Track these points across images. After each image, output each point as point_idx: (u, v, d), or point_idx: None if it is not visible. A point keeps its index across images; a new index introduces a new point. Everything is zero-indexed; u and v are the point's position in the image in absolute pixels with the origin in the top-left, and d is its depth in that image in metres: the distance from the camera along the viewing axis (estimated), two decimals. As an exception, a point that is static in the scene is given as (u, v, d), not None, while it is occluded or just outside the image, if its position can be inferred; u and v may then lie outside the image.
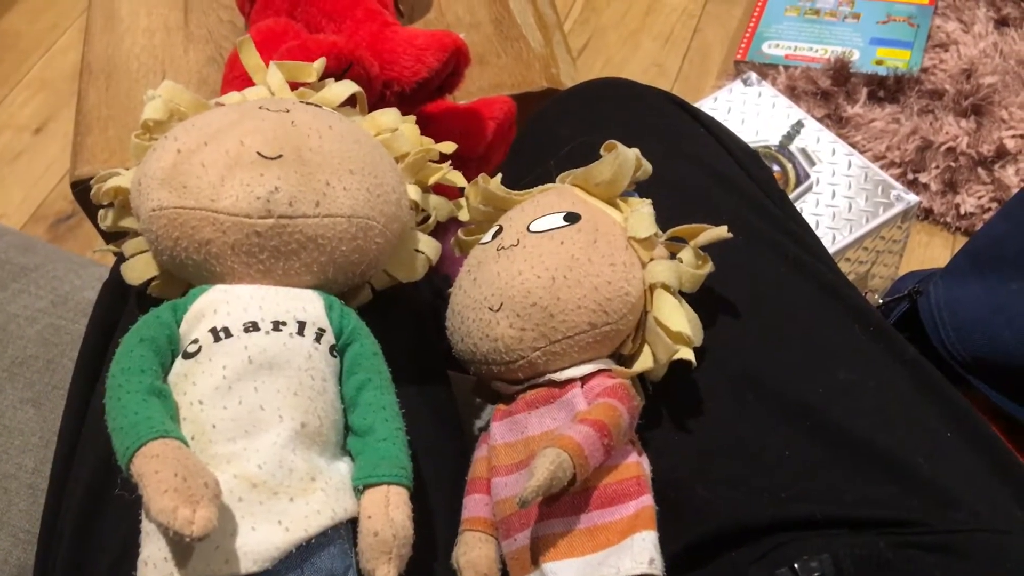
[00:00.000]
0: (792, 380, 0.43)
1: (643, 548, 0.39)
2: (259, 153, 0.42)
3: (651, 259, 0.45)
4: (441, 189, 0.52)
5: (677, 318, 0.43)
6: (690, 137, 0.55)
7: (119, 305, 0.51)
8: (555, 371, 0.44)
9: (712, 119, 0.59)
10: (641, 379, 0.46)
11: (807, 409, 0.44)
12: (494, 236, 0.47)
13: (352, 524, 0.39)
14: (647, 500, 0.41)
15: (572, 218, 0.45)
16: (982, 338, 0.66)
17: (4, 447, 0.56)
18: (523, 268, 0.44)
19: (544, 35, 0.96)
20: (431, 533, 0.44)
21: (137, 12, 1.01)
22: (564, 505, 0.40)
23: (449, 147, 0.51)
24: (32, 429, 0.57)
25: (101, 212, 0.47)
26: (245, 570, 0.36)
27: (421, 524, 0.40)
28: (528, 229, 0.46)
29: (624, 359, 0.45)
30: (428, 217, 0.51)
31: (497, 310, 0.44)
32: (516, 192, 0.50)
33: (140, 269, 0.46)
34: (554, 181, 0.51)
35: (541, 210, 0.47)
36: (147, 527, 0.37)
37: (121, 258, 0.47)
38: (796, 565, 0.38)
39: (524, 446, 0.43)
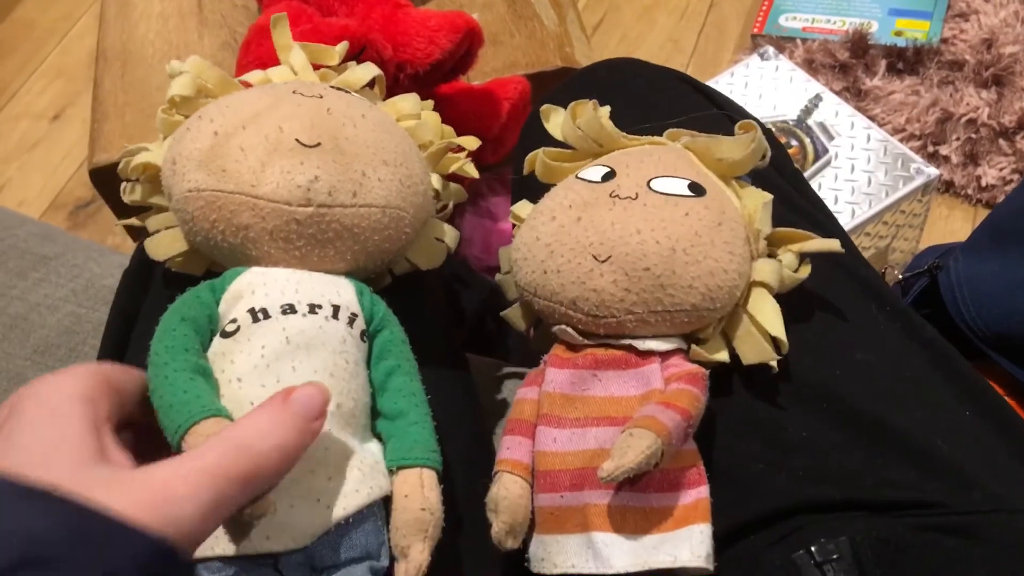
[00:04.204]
0: (809, 362, 0.43)
1: (701, 541, 0.39)
2: (298, 140, 0.42)
3: (758, 255, 0.44)
4: (452, 176, 0.52)
5: (777, 324, 0.42)
6: (713, 120, 0.54)
7: (140, 292, 0.51)
8: (638, 338, 0.43)
9: (724, 97, 0.58)
10: None
11: (824, 391, 0.43)
12: (604, 178, 0.45)
13: (384, 503, 0.40)
14: (705, 492, 0.40)
15: (697, 190, 0.43)
16: (1002, 313, 0.66)
17: (29, 435, 0.57)
18: (642, 228, 0.41)
19: (558, 13, 0.95)
20: (449, 512, 0.44)
21: (151, -2, 1.01)
22: (624, 479, 0.39)
23: (472, 142, 0.51)
24: (55, 417, 0.58)
25: (127, 186, 0.47)
26: (284, 547, 0.37)
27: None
28: (649, 186, 0.43)
29: (692, 339, 0.44)
30: (445, 206, 0.51)
31: (603, 261, 0.42)
32: (625, 135, 0.48)
33: (166, 245, 0.46)
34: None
35: (663, 169, 0.44)
36: None
37: (144, 234, 0.47)
38: (813, 548, 0.38)
39: (583, 404, 0.43)
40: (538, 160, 0.49)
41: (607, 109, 0.48)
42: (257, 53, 0.76)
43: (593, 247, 0.42)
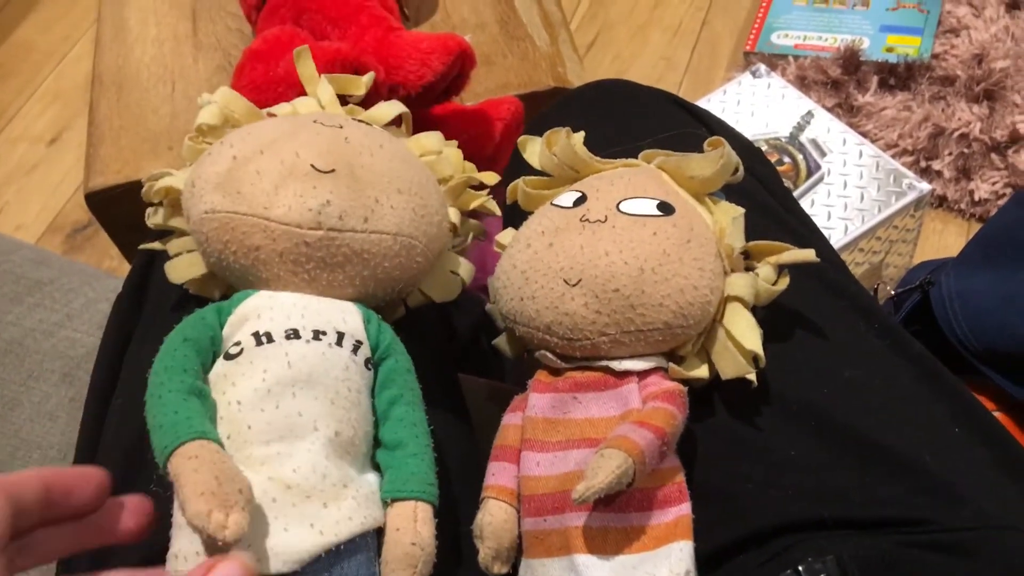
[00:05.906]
0: (797, 379, 0.43)
1: (680, 559, 0.39)
2: (313, 166, 0.43)
3: (732, 270, 0.44)
4: (473, 213, 0.52)
5: (752, 337, 0.43)
6: (691, 137, 0.55)
7: (133, 317, 0.52)
8: (615, 359, 0.43)
9: (714, 117, 0.59)
10: None
11: (812, 409, 0.44)
12: (575, 203, 0.46)
13: (377, 534, 0.40)
14: (686, 508, 0.40)
15: (666, 209, 0.44)
16: (994, 328, 0.66)
17: (23, 461, 0.57)
18: (610, 250, 0.42)
19: (550, 34, 0.96)
20: (441, 538, 0.44)
21: (146, 22, 1.02)
22: (602, 500, 0.40)
23: (492, 178, 0.52)
24: (50, 442, 0.58)
25: (150, 210, 0.49)
26: (275, 570, 0.37)
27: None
28: (618, 208, 0.44)
29: (674, 358, 0.45)
30: (463, 240, 0.51)
31: (574, 285, 0.42)
32: (599, 159, 0.49)
33: (184, 269, 0.47)
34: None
35: (633, 190, 0.45)
36: (179, 521, 0.38)
37: (159, 258, 0.49)
38: (800, 568, 0.38)
39: (564, 427, 0.43)
40: (519, 189, 0.50)
41: (581, 135, 0.49)
42: (251, 77, 0.77)
43: (564, 271, 0.43)
